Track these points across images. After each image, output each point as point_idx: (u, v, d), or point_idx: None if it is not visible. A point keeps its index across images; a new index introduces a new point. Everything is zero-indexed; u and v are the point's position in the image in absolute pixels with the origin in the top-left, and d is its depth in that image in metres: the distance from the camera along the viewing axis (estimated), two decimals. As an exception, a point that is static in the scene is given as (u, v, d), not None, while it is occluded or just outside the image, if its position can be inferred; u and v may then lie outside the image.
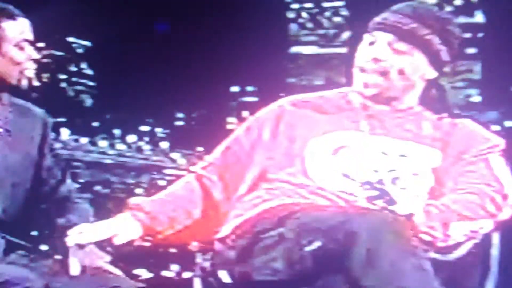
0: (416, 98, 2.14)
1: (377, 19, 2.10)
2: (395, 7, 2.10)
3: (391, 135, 2.08)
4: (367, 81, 2.07)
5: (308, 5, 7.41)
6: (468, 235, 2.00)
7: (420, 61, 2.07)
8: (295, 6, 7.41)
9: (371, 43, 2.08)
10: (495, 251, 2.03)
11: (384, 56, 2.05)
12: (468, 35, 6.55)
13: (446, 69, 2.15)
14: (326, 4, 7.32)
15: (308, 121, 2.09)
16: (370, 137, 2.06)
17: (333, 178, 2.03)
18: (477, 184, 2.04)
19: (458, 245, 1.99)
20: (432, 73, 2.10)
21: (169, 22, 6.78)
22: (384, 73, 2.06)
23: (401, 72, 2.06)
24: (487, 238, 2.03)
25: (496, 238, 2.05)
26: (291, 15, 7.43)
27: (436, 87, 2.14)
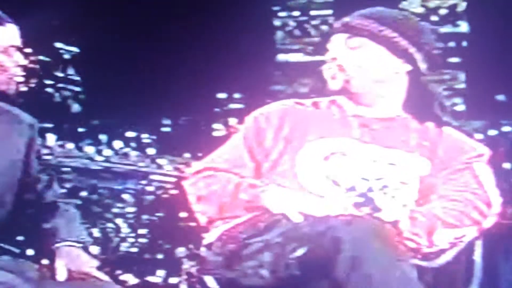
0: (400, 102, 2.16)
1: (335, 25, 2.16)
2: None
3: (381, 144, 2.10)
4: (330, 76, 2.11)
5: (296, 13, 7.44)
6: (452, 242, 2.02)
7: (380, 54, 2.11)
8: (282, 14, 7.44)
9: (330, 47, 2.13)
10: (478, 258, 2.06)
11: (339, 53, 2.11)
12: (452, 44, 6.61)
13: (432, 76, 2.17)
14: (313, 13, 7.35)
15: (306, 125, 2.12)
16: (361, 144, 2.09)
17: (322, 184, 2.04)
18: (462, 192, 2.07)
19: (442, 252, 2.01)
20: (403, 66, 2.13)
21: (157, 29, 6.78)
22: (343, 69, 2.10)
23: (360, 66, 2.10)
24: (470, 245, 2.05)
25: (479, 246, 2.07)
26: (278, 23, 7.45)
27: (423, 92, 2.16)
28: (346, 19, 2.14)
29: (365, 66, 2.09)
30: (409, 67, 2.12)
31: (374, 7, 2.16)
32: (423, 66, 2.13)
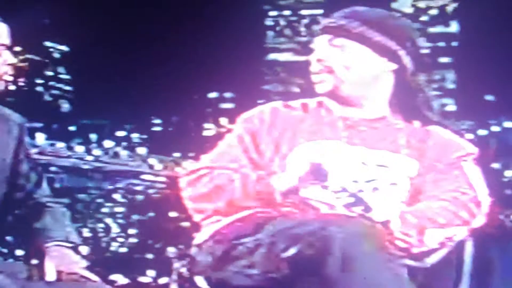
0: (386, 102, 2.16)
1: (318, 27, 2.16)
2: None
3: (370, 145, 2.10)
4: (318, 80, 2.11)
5: (286, 12, 7.45)
6: (442, 242, 2.03)
7: (364, 53, 2.11)
8: (273, 13, 7.45)
9: (315, 48, 2.14)
10: (468, 258, 2.06)
11: (324, 55, 2.11)
12: (442, 44, 6.64)
13: (422, 76, 2.18)
14: (304, 12, 7.36)
15: (295, 127, 2.12)
16: (349, 147, 2.09)
17: (311, 187, 2.04)
18: (452, 192, 2.07)
19: (432, 251, 2.02)
20: (388, 65, 2.13)
21: (148, 29, 6.77)
22: (330, 71, 2.11)
23: (347, 67, 2.10)
24: (460, 244, 2.06)
25: (469, 245, 2.07)
26: (269, 22, 7.46)
27: (410, 92, 2.16)
28: (326, 20, 2.14)
29: (352, 67, 2.09)
30: (394, 66, 2.12)
31: (355, 7, 2.16)
32: (408, 64, 2.13)
